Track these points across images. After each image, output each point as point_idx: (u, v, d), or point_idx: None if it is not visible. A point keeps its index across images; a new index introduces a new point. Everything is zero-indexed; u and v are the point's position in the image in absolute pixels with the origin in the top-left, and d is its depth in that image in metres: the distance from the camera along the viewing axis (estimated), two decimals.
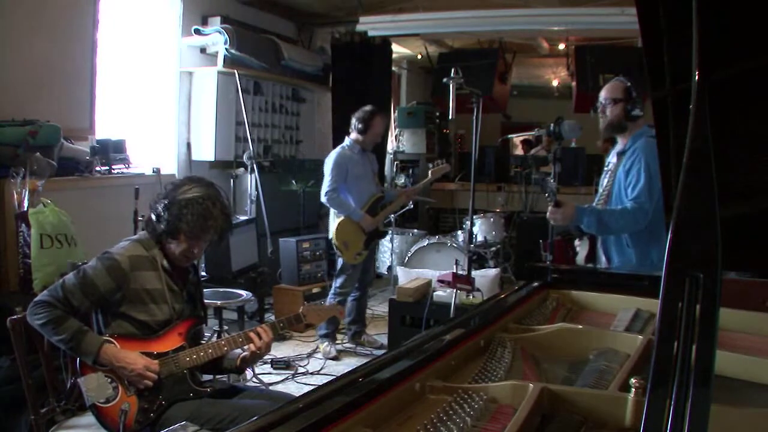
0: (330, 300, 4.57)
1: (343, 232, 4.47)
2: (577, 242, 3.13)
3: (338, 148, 4.58)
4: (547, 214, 2.81)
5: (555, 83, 9.85)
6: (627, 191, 2.77)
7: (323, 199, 4.48)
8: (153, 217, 2.17)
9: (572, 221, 2.81)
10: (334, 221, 4.53)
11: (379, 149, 7.34)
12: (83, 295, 2.06)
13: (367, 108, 4.53)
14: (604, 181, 3.00)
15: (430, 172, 4.75)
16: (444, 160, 4.80)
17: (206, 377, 2.33)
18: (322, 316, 2.46)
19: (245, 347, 2.27)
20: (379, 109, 4.59)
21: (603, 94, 2.91)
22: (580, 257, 3.11)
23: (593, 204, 2.99)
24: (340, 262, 4.60)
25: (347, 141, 4.57)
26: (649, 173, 2.68)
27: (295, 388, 3.91)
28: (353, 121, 4.53)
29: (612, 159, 2.97)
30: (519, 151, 8.95)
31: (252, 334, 2.21)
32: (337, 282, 4.62)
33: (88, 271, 2.10)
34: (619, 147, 2.91)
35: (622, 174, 2.82)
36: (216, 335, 3.66)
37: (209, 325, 3.41)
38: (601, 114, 2.91)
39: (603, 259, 3.00)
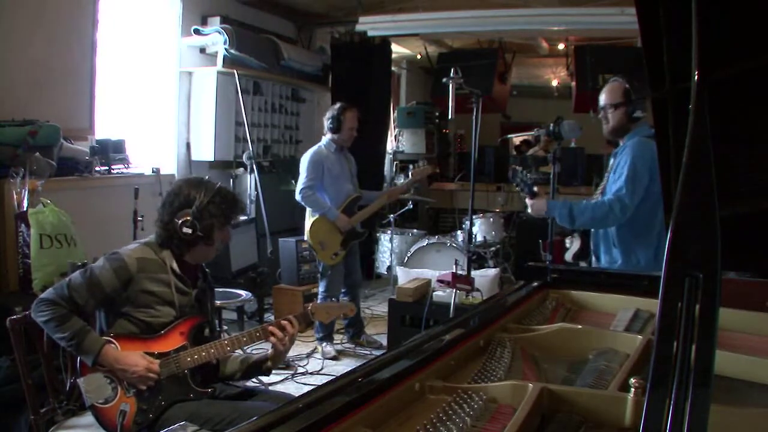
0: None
1: (318, 232, 4.44)
2: (568, 240, 3.14)
3: (315, 147, 4.55)
4: (526, 205, 2.86)
5: (555, 83, 9.86)
6: (612, 187, 2.78)
7: (298, 197, 4.44)
8: (186, 231, 2.15)
9: (544, 214, 2.84)
10: (308, 221, 4.50)
11: (378, 149, 7.36)
12: (89, 294, 2.06)
13: (335, 106, 4.51)
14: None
15: (410, 173, 4.73)
16: (425, 162, 4.80)
17: None
18: (331, 313, 2.42)
19: (247, 350, 2.25)
20: (348, 104, 4.55)
21: (603, 99, 2.88)
22: (569, 255, 3.11)
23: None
24: (320, 266, 4.58)
25: (324, 140, 4.54)
26: (634, 171, 2.68)
27: (295, 389, 3.91)
28: (325, 122, 4.52)
29: (611, 159, 2.99)
30: (519, 150, 8.95)
31: (273, 328, 2.17)
32: (322, 286, 4.60)
33: (94, 270, 2.10)
34: (618, 147, 2.93)
35: (612, 172, 2.84)
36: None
37: None
38: (603, 120, 2.90)
39: (593, 258, 3.02)
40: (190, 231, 2.16)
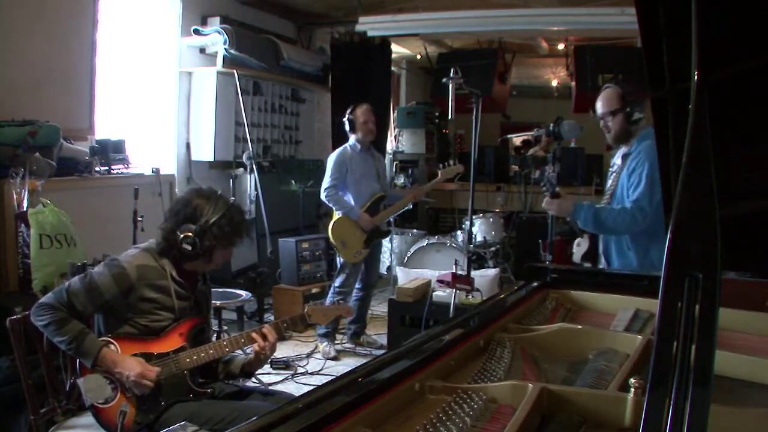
0: (329, 299, 4.56)
1: (340, 230, 4.47)
2: (577, 241, 3.14)
3: (341, 147, 4.62)
4: (543, 203, 2.87)
5: (554, 83, 9.86)
6: (628, 193, 2.77)
7: (322, 196, 4.50)
8: (186, 246, 2.13)
9: (568, 215, 2.84)
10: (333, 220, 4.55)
11: (378, 149, 7.34)
12: (88, 301, 2.06)
13: (349, 108, 4.56)
14: (609, 182, 3.00)
15: (440, 172, 4.69)
16: (457, 160, 4.77)
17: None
18: (328, 315, 2.43)
19: (248, 350, 2.25)
20: (360, 102, 4.60)
21: (600, 108, 2.88)
22: (577, 256, 3.11)
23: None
24: (339, 260, 4.61)
25: (350, 140, 4.61)
26: (651, 177, 2.67)
27: (295, 388, 3.91)
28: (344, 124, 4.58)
29: (617, 160, 2.97)
30: (518, 150, 8.94)
31: (255, 335, 2.19)
32: (337, 281, 4.62)
33: (94, 276, 2.10)
34: (624, 149, 2.91)
35: (626, 176, 2.82)
36: (215, 336, 3.65)
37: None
38: (604, 129, 2.91)
39: (603, 260, 3.01)
40: (189, 248, 2.14)
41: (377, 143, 7.10)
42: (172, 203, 2.27)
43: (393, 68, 8.28)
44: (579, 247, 3.10)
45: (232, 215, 2.19)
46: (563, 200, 2.83)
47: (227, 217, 2.17)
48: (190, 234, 2.13)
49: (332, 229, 4.49)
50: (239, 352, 2.35)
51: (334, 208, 4.55)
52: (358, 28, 6.69)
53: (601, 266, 3.00)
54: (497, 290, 4.36)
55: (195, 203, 2.17)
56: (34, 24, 3.98)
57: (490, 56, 7.72)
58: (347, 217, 4.47)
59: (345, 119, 4.56)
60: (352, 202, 4.51)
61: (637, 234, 2.78)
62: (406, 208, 4.84)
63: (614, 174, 2.95)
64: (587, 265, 3.06)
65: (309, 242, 5.47)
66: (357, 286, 4.71)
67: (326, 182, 4.48)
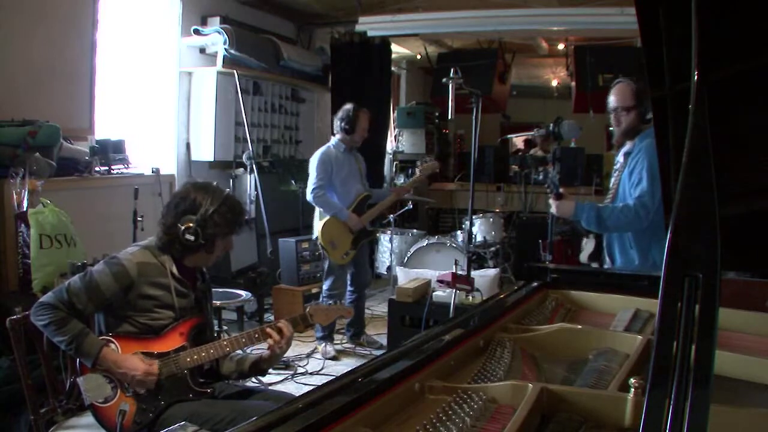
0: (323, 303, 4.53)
1: (329, 232, 4.45)
2: (584, 241, 3.14)
3: (323, 147, 4.56)
4: (550, 204, 2.88)
5: (554, 83, 9.86)
6: (630, 191, 2.78)
7: (309, 197, 4.45)
8: (189, 237, 2.14)
9: (571, 216, 2.85)
10: (318, 221, 4.50)
11: (379, 149, 7.36)
12: (88, 299, 2.06)
13: (348, 107, 4.50)
14: (612, 180, 3.01)
15: (417, 170, 4.73)
16: (433, 157, 4.80)
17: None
18: (330, 316, 2.43)
19: (248, 350, 2.24)
20: (361, 106, 4.57)
21: (614, 102, 2.86)
22: (584, 256, 3.11)
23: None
24: (325, 264, 4.58)
25: (333, 140, 4.55)
26: (652, 173, 2.68)
27: (295, 389, 3.91)
28: (336, 122, 4.52)
29: (620, 159, 2.98)
30: (518, 150, 8.96)
31: (270, 330, 2.18)
32: (326, 284, 4.59)
33: (94, 275, 2.09)
34: (626, 147, 2.91)
35: (627, 174, 2.83)
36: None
37: None
38: (614, 122, 2.88)
39: (608, 259, 3.02)
40: (192, 238, 2.15)
41: (377, 144, 7.14)
42: (169, 199, 2.28)
43: (393, 68, 8.28)
44: (585, 248, 3.11)
45: (232, 203, 2.23)
46: (564, 201, 2.84)
47: (227, 205, 2.20)
48: (191, 224, 2.14)
49: (322, 230, 4.44)
50: (239, 352, 2.35)
51: (322, 210, 4.50)
52: (358, 28, 6.69)
53: (606, 265, 3.01)
54: (497, 290, 4.36)
55: (193, 196, 2.19)
56: (35, 24, 3.98)
57: (490, 56, 7.71)
58: (336, 218, 4.44)
59: (343, 117, 4.47)
60: (338, 203, 4.47)
61: (639, 232, 2.79)
62: (407, 207, 4.84)
63: (617, 172, 2.95)
64: (594, 265, 3.07)
65: (309, 242, 5.46)
66: (349, 288, 4.69)
67: (312, 183, 4.41)
